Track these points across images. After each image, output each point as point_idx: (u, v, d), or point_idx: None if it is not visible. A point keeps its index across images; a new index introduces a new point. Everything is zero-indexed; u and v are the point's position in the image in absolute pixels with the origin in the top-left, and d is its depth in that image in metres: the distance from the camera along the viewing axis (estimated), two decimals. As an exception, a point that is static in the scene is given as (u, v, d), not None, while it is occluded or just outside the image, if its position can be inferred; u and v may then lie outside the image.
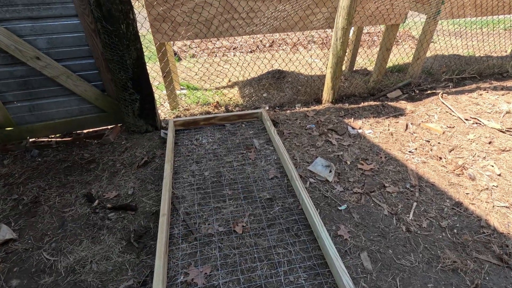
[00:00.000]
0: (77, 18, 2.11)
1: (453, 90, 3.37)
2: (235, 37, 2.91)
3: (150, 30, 2.44)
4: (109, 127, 2.67)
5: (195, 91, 3.62)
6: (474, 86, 3.46)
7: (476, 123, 2.72)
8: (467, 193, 1.97)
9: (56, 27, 2.11)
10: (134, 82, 2.31)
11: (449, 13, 3.15)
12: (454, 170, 2.16)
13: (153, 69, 4.02)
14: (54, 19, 2.08)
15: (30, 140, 2.48)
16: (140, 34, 2.23)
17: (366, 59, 4.57)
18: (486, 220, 1.78)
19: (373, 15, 2.86)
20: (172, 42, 2.68)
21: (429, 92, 3.35)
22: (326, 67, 2.97)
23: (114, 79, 2.29)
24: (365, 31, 5.55)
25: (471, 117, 2.79)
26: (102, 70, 2.34)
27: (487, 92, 3.23)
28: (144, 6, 2.30)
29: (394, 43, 4.67)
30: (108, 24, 2.02)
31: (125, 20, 2.04)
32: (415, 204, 1.89)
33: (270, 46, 5.11)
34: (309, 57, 4.56)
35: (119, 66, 2.21)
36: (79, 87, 2.34)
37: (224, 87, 3.75)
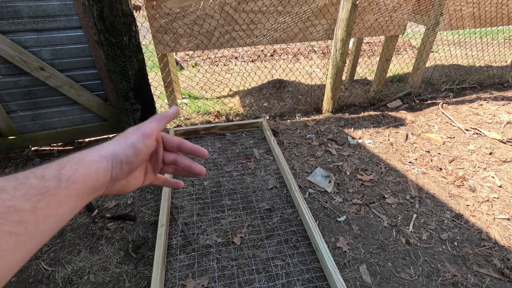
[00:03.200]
0: (81, 30, 2.16)
1: (454, 100, 3.38)
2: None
3: (152, 41, 2.49)
4: (110, 136, 2.69)
5: (196, 100, 3.66)
6: (474, 96, 3.46)
7: (477, 133, 2.71)
8: (467, 205, 1.96)
9: (61, 39, 2.15)
10: (136, 92, 2.34)
11: (448, 24, 3.18)
12: (455, 181, 2.15)
13: (155, 79, 4.07)
14: (58, 31, 2.13)
15: (32, 148, 2.51)
16: (142, 44, 2.27)
17: (366, 69, 4.60)
18: (487, 232, 1.76)
19: (372, 26, 2.90)
20: (174, 52, 2.74)
21: (429, 102, 3.36)
22: (326, 77, 2.99)
23: (116, 89, 2.32)
24: (365, 41, 5.61)
25: (471, 128, 2.79)
26: (105, 80, 2.38)
27: (488, 102, 3.24)
28: (147, 19, 2.35)
29: (394, 52, 4.70)
30: (111, 36, 2.06)
31: (127, 32, 2.08)
32: (415, 215, 1.88)
33: (271, 55, 5.17)
34: (310, 67, 4.60)
35: (121, 77, 2.25)
36: (82, 97, 2.38)
37: (225, 97, 3.78)
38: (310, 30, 2.77)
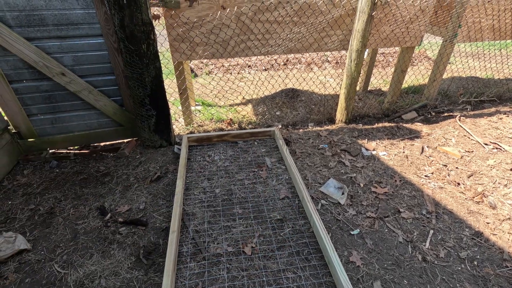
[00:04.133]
0: (101, 37, 2.22)
1: (471, 113, 3.29)
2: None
3: (169, 49, 2.54)
4: (125, 141, 2.74)
5: (209, 107, 3.69)
6: (493, 109, 3.37)
7: (496, 148, 2.63)
8: (487, 223, 1.88)
9: (82, 46, 2.22)
10: (151, 99, 2.38)
11: (466, 36, 3.12)
12: (474, 197, 2.07)
13: (170, 86, 4.14)
14: (80, 38, 2.20)
15: (50, 151, 2.57)
16: (159, 52, 2.32)
17: (380, 80, 4.56)
18: (509, 252, 1.68)
19: (388, 37, 2.88)
20: (189, 60, 2.79)
21: (446, 114, 3.28)
22: (340, 87, 2.98)
23: (132, 95, 2.37)
24: (380, 51, 5.57)
25: (490, 142, 2.70)
26: (122, 86, 2.44)
27: (508, 116, 3.14)
28: (165, 27, 2.40)
29: (410, 64, 4.64)
30: (130, 44, 2.12)
31: (146, 40, 2.14)
32: (431, 231, 1.81)
33: (285, 64, 5.19)
34: (323, 77, 4.59)
35: (138, 83, 2.29)
36: (99, 102, 2.44)
37: (238, 105, 3.80)
38: (325, 40, 2.77)
